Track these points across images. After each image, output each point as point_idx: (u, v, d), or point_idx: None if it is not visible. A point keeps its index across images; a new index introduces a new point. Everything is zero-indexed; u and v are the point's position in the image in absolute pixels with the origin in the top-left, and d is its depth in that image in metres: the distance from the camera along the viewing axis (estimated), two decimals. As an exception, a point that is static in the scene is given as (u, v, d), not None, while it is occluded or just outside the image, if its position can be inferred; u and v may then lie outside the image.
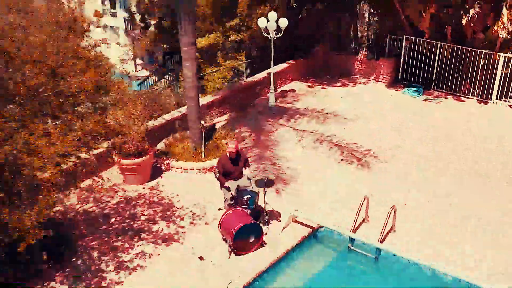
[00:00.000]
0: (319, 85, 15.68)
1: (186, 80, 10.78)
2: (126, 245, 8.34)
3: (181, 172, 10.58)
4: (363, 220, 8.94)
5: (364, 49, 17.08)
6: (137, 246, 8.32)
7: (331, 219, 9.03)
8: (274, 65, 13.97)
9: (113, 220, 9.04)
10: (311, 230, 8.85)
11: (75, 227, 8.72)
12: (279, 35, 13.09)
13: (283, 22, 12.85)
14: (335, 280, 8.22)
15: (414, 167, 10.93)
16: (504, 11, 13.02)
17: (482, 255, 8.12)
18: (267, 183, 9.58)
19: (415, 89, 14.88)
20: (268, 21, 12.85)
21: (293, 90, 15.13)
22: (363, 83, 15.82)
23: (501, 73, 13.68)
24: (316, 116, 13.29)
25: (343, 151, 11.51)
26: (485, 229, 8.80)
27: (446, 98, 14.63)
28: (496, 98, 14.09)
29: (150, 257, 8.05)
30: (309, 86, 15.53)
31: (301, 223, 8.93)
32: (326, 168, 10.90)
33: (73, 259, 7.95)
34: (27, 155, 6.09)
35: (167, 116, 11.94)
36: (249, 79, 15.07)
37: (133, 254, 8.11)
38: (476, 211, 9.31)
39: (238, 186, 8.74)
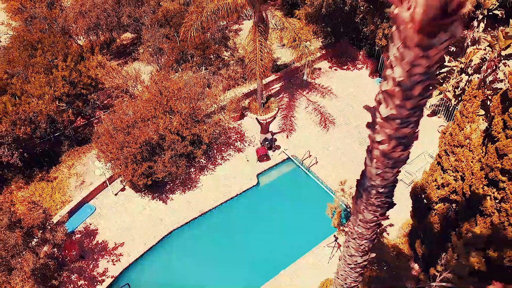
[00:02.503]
0: (335, 66, 29.15)
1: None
2: (224, 148, 25.09)
3: (251, 118, 26.41)
4: (315, 159, 24.51)
5: (364, 48, 29.09)
6: (229, 150, 25.01)
7: (300, 153, 24.67)
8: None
9: (222, 136, 25.53)
10: (287, 157, 24.81)
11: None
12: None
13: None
14: (292, 174, 24.51)
15: (347, 133, 25.61)
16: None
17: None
18: (273, 139, 25.15)
19: (381, 79, 27.75)
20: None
21: (320, 69, 28.89)
22: (359, 68, 28.90)
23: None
24: (321, 92, 27.57)
25: (321, 117, 26.26)
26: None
27: (393, 91, 27.47)
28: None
29: (231, 155, 24.78)
30: (329, 67, 29.12)
31: (286, 154, 24.86)
32: (310, 126, 25.97)
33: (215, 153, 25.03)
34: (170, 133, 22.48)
35: (251, 87, 27.22)
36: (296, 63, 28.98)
37: (227, 153, 24.88)
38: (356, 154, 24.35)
39: (265, 137, 24.60)
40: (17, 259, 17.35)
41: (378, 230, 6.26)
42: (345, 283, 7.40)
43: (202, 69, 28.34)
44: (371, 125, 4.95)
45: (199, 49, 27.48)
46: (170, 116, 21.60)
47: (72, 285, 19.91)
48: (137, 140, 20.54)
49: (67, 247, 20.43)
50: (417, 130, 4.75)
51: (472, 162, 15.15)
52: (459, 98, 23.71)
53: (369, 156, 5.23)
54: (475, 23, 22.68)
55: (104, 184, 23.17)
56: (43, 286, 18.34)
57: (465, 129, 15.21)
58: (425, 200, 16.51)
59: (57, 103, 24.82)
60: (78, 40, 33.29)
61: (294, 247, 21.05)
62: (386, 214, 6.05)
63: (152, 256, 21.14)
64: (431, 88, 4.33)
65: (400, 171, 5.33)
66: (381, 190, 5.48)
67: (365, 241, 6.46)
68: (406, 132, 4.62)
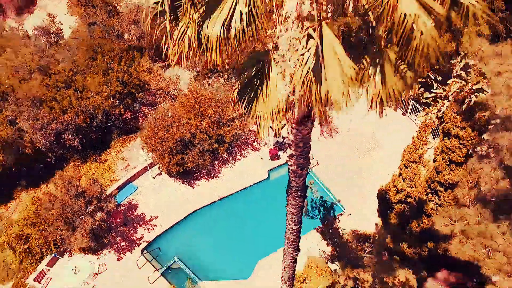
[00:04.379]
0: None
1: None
2: (243, 147, 30.51)
3: (268, 123, 31.64)
4: (317, 161, 29.61)
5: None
6: (247, 148, 30.39)
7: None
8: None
9: (242, 137, 30.83)
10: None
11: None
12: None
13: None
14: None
15: (348, 139, 30.57)
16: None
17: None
18: (284, 142, 30.35)
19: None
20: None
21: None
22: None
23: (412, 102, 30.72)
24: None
25: (328, 126, 31.21)
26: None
27: (390, 107, 32.21)
28: (410, 113, 31.37)
29: (248, 153, 30.16)
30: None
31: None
32: (316, 132, 30.97)
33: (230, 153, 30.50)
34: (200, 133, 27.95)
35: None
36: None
37: (246, 151, 30.28)
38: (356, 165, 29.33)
39: (277, 140, 29.85)
40: (79, 220, 23.29)
41: (304, 211, 11.40)
42: (289, 241, 12.57)
43: (232, 78, 33.74)
44: (287, 157, 10.20)
45: (230, 61, 32.80)
46: (201, 119, 27.11)
47: (116, 245, 25.79)
48: (173, 137, 26.13)
49: (114, 215, 26.29)
50: (308, 162, 9.94)
51: (421, 175, 20.02)
52: (441, 120, 28.27)
53: (288, 171, 10.44)
54: (459, 58, 27.13)
55: (145, 168, 28.96)
56: (96, 242, 24.32)
57: (419, 150, 20.05)
58: (387, 202, 21.46)
59: (111, 100, 30.71)
60: (130, 43, 39.14)
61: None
62: (305, 201, 11.19)
63: (179, 228, 26.79)
64: (308, 143, 9.55)
65: (305, 180, 10.52)
66: (296, 189, 10.63)
67: (295, 216, 11.55)
68: (301, 162, 9.82)
